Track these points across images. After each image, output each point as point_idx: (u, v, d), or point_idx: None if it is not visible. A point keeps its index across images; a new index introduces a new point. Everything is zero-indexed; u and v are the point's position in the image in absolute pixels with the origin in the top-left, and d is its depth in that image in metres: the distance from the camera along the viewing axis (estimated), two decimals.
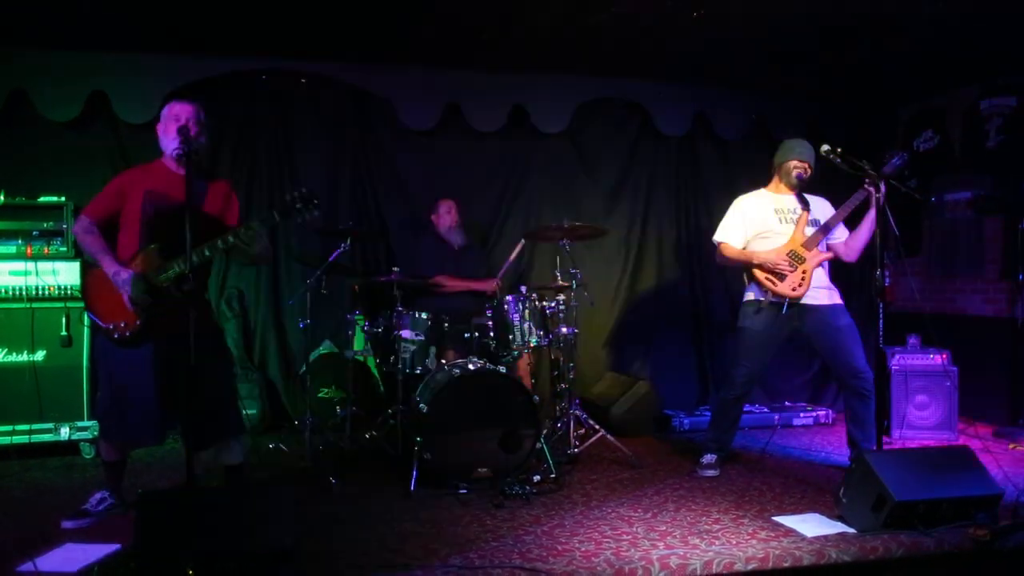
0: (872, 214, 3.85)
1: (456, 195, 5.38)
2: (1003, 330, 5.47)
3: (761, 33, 4.78)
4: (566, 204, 5.90)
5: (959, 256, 5.92)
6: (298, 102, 5.52)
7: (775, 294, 4.02)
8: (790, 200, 4.17)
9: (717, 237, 4.26)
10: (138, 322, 3.25)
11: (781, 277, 4.01)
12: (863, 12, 4.43)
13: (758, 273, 4.08)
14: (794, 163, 4.12)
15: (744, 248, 4.18)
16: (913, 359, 5.13)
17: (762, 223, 4.14)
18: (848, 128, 6.18)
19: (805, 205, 4.13)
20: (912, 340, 5.21)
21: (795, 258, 4.01)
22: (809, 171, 4.14)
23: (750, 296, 4.19)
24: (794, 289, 4.01)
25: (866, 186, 3.74)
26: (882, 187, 3.61)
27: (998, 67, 5.45)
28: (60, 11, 4.34)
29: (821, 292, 4.09)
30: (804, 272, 4.01)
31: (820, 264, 4.08)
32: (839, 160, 3.80)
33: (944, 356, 5.10)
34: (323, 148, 5.58)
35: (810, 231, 4.07)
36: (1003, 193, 5.55)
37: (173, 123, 3.30)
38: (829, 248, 4.17)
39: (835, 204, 4.19)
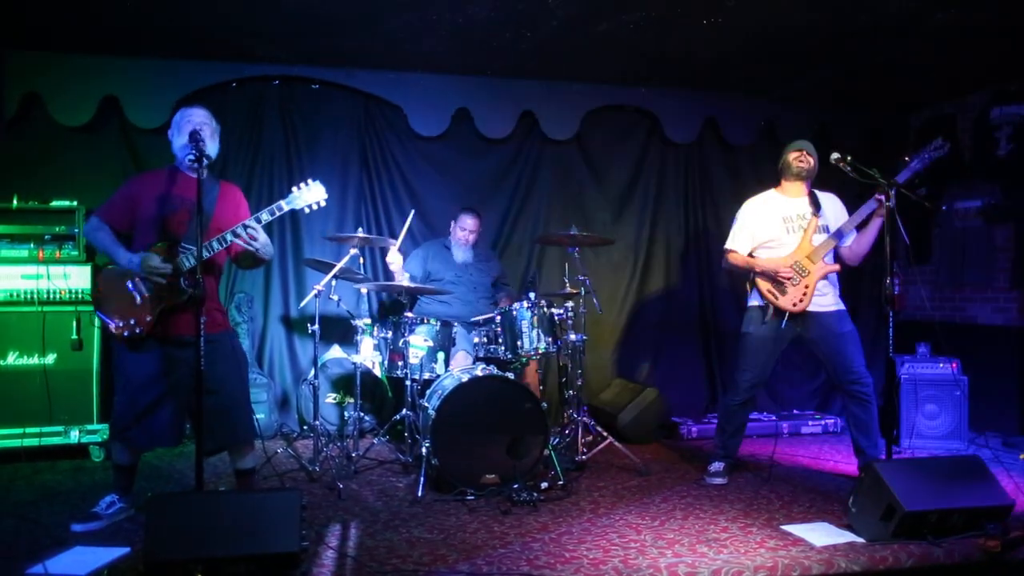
0: (879, 222, 3.87)
1: (465, 201, 5.39)
2: (1013, 339, 5.45)
3: (771, 40, 4.78)
4: (574, 210, 5.92)
5: (969, 265, 5.90)
6: (308, 108, 5.54)
7: (776, 307, 4.02)
8: (800, 204, 4.11)
9: (727, 244, 4.25)
10: (148, 318, 3.27)
11: (783, 290, 4.00)
12: (873, 18, 4.43)
13: (761, 284, 4.07)
14: (792, 154, 4.09)
15: (750, 254, 4.18)
16: (923, 368, 5.11)
17: (768, 233, 4.12)
18: (859, 135, 6.16)
19: (816, 207, 4.08)
20: (922, 349, 5.19)
21: (799, 270, 3.98)
22: (808, 159, 4.07)
23: (754, 302, 4.18)
24: (795, 304, 3.98)
25: (877, 196, 3.74)
26: (892, 194, 3.60)
27: (1009, 72, 5.43)
28: (73, 15, 4.38)
29: (824, 298, 4.06)
30: (807, 286, 3.98)
31: (824, 276, 4.03)
32: (848, 168, 3.79)
33: (954, 365, 5.08)
34: (332, 154, 5.59)
35: (819, 240, 4.02)
36: (1013, 202, 5.54)
37: (187, 127, 3.35)
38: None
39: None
